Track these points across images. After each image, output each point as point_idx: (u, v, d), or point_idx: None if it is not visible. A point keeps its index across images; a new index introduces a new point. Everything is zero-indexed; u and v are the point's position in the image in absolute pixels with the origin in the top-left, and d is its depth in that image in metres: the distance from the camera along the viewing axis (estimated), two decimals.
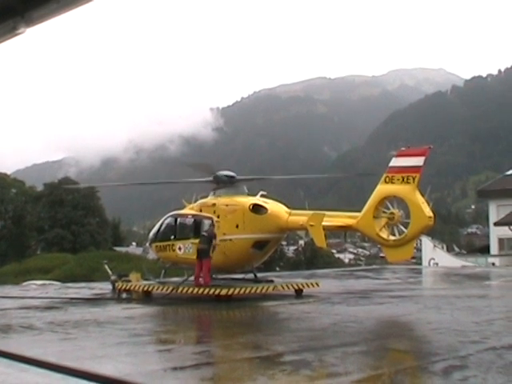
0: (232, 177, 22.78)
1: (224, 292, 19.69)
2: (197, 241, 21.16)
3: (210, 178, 22.85)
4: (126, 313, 17.81)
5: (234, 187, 22.58)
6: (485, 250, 59.96)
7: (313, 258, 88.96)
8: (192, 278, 21.25)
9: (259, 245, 21.35)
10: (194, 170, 25.37)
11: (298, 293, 21.38)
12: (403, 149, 20.02)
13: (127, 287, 22.41)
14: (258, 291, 20.42)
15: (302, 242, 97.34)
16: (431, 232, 48.72)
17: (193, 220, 22.29)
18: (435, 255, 50.08)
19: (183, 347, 12.43)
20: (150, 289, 21.99)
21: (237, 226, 21.25)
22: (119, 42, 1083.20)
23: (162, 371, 9.60)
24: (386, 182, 19.70)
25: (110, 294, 23.33)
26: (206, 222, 21.66)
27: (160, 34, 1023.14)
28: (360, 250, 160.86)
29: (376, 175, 21.54)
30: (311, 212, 20.71)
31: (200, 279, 20.83)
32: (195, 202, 23.10)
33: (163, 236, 23.11)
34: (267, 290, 20.77)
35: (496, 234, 56.18)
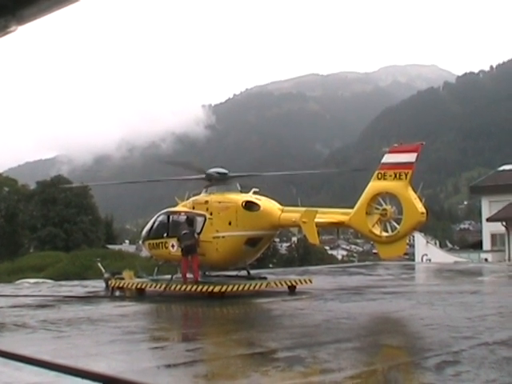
0: (224, 174, 22.76)
1: (217, 289, 19.67)
2: None
3: (203, 176, 22.84)
4: (120, 310, 17.77)
5: (226, 184, 22.56)
6: (477, 246, 60.37)
7: (306, 255, 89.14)
8: (179, 275, 21.32)
9: (252, 242, 21.31)
10: (184, 168, 25.33)
11: (291, 289, 21.34)
12: (395, 145, 19.96)
13: (120, 285, 22.37)
14: (251, 288, 20.39)
15: (294, 239, 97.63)
16: (424, 228, 48.98)
17: (185, 217, 22.25)
18: (428, 251, 50.31)
19: (176, 344, 12.44)
20: (143, 286, 21.98)
21: (229, 223, 21.21)
22: (111, 40, 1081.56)
23: (156, 368, 9.60)
24: (378, 178, 19.68)
25: (103, 292, 23.28)
26: (199, 220, 21.66)
27: (152, 32, 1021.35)
28: (353, 246, 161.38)
29: (369, 171, 21.51)
30: (304, 209, 20.63)
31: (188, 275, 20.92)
32: (188, 199, 23.06)
33: (156, 233, 23.06)
34: (260, 286, 20.73)
35: (488, 229, 56.57)
